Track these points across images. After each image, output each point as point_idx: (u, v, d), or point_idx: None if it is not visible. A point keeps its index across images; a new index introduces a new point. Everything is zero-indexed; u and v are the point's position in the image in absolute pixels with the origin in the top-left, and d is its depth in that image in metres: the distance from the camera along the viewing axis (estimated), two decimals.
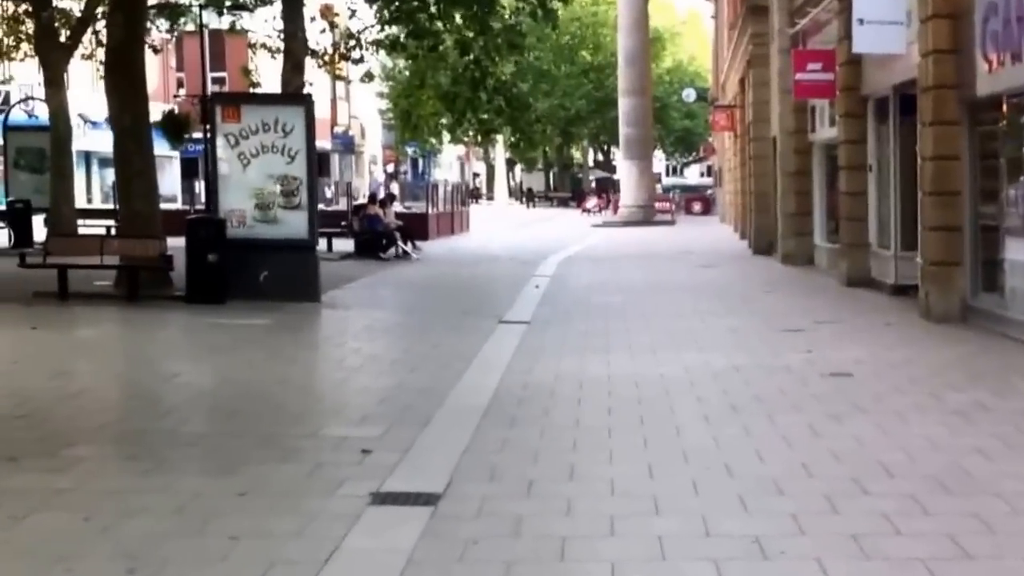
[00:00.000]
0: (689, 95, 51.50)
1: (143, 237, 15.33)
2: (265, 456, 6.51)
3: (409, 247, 24.74)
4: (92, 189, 41.52)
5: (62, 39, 24.50)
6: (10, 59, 27.04)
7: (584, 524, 5.28)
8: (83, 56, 25.69)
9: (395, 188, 54.84)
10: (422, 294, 17.41)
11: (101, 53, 20.57)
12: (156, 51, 26.44)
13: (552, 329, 12.28)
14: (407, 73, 32.72)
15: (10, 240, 23.58)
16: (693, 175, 79.75)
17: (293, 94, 19.05)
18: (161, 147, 34.16)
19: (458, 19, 22.70)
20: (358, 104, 59.66)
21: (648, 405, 8.01)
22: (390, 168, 70.37)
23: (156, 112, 31.16)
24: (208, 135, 16.02)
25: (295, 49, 20.99)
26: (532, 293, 16.41)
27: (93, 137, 36.58)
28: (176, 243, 14.92)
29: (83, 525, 5.22)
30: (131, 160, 15.81)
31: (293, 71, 20.83)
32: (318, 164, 16.24)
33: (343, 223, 26.12)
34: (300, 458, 6.46)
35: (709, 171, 66.55)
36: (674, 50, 68.87)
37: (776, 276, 19.39)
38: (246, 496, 5.70)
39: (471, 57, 22.88)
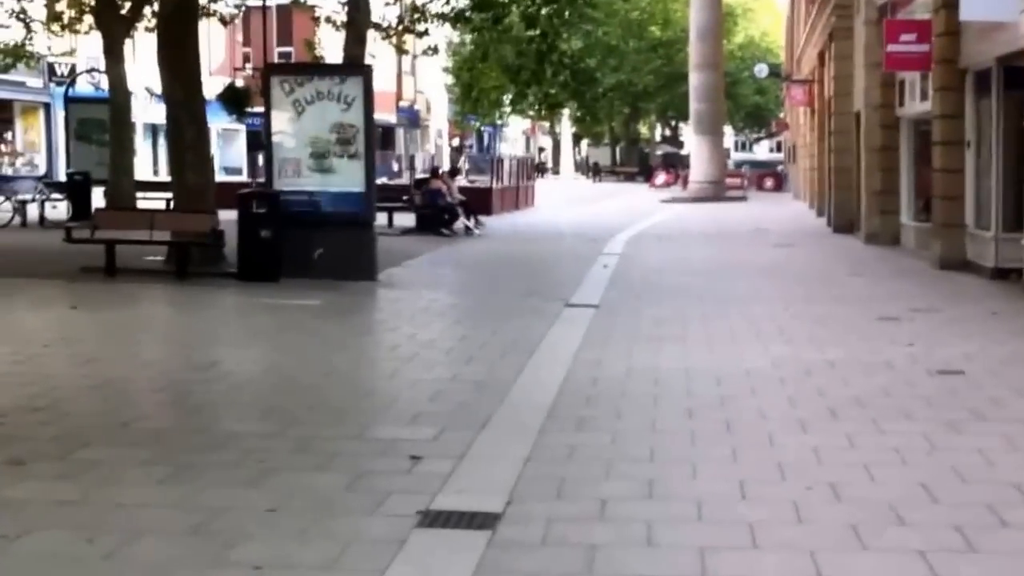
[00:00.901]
0: (761, 70, 50.56)
1: (195, 211, 14.70)
2: (301, 462, 5.76)
3: (472, 222, 23.92)
4: (158, 162, 41.34)
5: (123, 11, 24.01)
6: (74, 31, 26.64)
7: (670, 559, 4.47)
8: (147, 29, 25.20)
9: (463, 162, 54.09)
10: (483, 273, 16.60)
11: None
12: (225, 23, 25.89)
13: (622, 314, 11.42)
14: (471, 47, 31.86)
15: (69, 212, 23.29)
16: (762, 151, 78.13)
17: (351, 64, 18.29)
18: (228, 120, 33.83)
19: None
20: (424, 78, 58.94)
21: (734, 407, 7.11)
22: (455, 142, 69.60)
23: (219, 85, 30.85)
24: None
25: (358, 21, 20.28)
26: (600, 273, 15.53)
27: (159, 110, 36.14)
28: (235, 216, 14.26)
29: (84, 549, 4.50)
30: (183, 132, 15.23)
31: (355, 43, 20.12)
32: (382, 137, 15.57)
33: (404, 197, 25.40)
34: (340, 465, 5.70)
35: (779, 147, 65.05)
36: (746, 26, 67.45)
37: (861, 257, 18.31)
38: (276, 513, 4.95)
39: (537, 30, 22.00)
